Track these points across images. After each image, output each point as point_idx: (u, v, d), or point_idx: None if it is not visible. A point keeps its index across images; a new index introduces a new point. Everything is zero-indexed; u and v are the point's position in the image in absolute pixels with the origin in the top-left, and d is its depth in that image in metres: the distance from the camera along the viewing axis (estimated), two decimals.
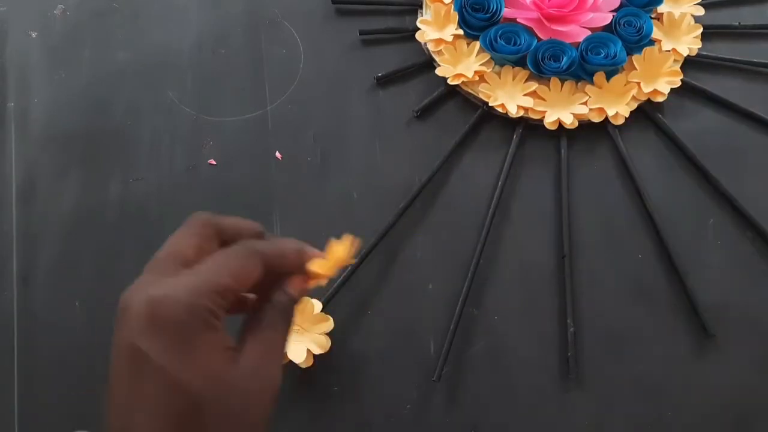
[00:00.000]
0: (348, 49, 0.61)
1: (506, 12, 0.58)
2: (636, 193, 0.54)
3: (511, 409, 0.48)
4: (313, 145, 0.57)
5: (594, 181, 0.55)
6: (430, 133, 0.57)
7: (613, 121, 0.56)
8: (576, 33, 0.57)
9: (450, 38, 0.58)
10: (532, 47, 0.56)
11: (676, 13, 0.60)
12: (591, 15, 0.57)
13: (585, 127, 0.56)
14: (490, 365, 0.49)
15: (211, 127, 0.57)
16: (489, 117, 0.57)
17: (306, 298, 0.48)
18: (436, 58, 0.59)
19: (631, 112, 0.56)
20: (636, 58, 0.57)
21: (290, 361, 0.47)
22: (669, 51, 0.58)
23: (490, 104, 0.56)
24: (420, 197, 0.54)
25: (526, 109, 0.56)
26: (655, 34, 0.59)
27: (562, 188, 0.54)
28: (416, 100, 0.58)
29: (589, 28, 0.57)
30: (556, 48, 0.56)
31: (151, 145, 0.57)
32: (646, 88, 0.56)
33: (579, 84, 0.57)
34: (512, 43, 0.57)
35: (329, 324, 0.47)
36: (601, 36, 0.57)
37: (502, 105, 0.56)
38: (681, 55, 0.58)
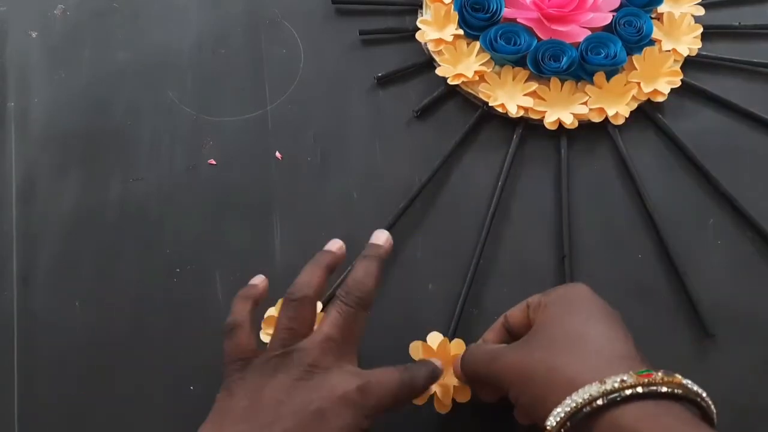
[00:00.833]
0: (348, 49, 0.61)
1: (506, 12, 0.58)
2: (636, 193, 0.54)
3: (511, 409, 0.48)
4: (313, 145, 0.57)
5: (594, 181, 0.55)
6: (430, 133, 0.57)
7: (613, 121, 0.56)
8: (576, 33, 0.57)
9: (450, 38, 0.58)
10: (532, 47, 0.56)
11: (676, 13, 0.60)
12: (591, 15, 0.57)
13: (585, 127, 0.56)
14: None
15: (211, 127, 0.57)
16: (489, 117, 0.57)
17: None
18: (436, 58, 0.59)
19: (631, 112, 0.56)
20: (636, 58, 0.57)
21: None
22: (669, 51, 0.58)
23: (490, 104, 0.56)
24: (420, 197, 0.54)
25: (526, 109, 0.56)
26: (655, 34, 0.59)
27: (562, 188, 0.54)
28: (416, 100, 0.58)
29: (589, 28, 0.57)
30: (556, 48, 0.56)
31: (151, 145, 0.57)
32: (646, 88, 0.56)
33: (579, 84, 0.57)
34: (512, 43, 0.57)
35: None
36: (601, 36, 0.57)
37: (502, 105, 0.56)
38: (681, 55, 0.58)
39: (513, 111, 0.55)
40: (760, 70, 0.59)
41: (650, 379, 0.30)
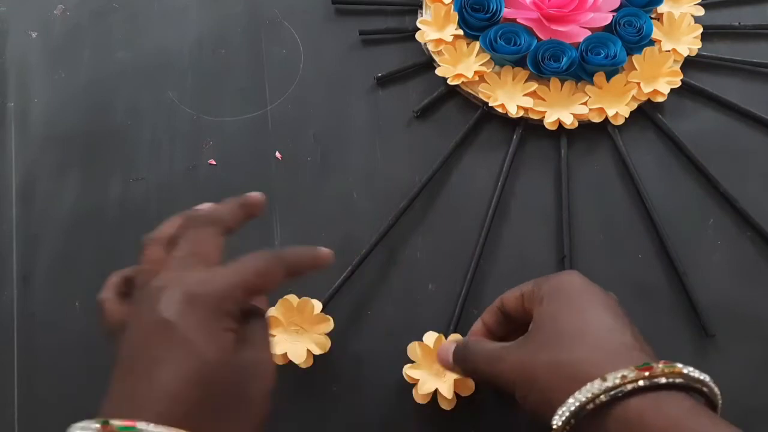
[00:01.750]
0: (348, 49, 0.61)
1: (506, 12, 0.58)
2: (636, 193, 0.54)
3: (512, 409, 0.48)
4: (313, 145, 0.57)
5: (594, 181, 0.55)
6: (430, 133, 0.57)
7: (613, 122, 0.56)
8: (576, 33, 0.57)
9: (450, 38, 0.58)
10: (532, 47, 0.56)
11: (676, 13, 0.60)
12: (591, 15, 0.57)
13: (585, 127, 0.56)
14: None
15: (211, 127, 0.57)
16: (489, 117, 0.57)
17: (306, 299, 0.48)
18: (436, 58, 0.59)
19: (631, 112, 0.56)
20: (636, 58, 0.57)
21: (290, 361, 0.47)
22: (669, 51, 0.58)
23: (490, 104, 0.56)
24: (420, 197, 0.54)
25: (526, 109, 0.56)
26: (655, 34, 0.59)
27: (562, 188, 0.54)
28: (416, 100, 0.58)
29: (589, 28, 0.57)
30: (556, 48, 0.56)
31: (151, 145, 0.57)
32: (646, 89, 0.56)
33: (579, 84, 0.57)
34: (512, 43, 0.57)
35: (329, 324, 0.47)
36: (601, 36, 0.57)
37: (502, 105, 0.56)
38: (681, 55, 0.58)
39: (513, 111, 0.55)
40: (760, 70, 0.59)
41: (650, 372, 0.30)
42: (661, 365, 0.31)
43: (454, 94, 0.58)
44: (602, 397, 0.30)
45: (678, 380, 0.31)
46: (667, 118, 0.57)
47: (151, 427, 0.27)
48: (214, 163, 0.56)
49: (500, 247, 0.52)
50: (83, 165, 0.56)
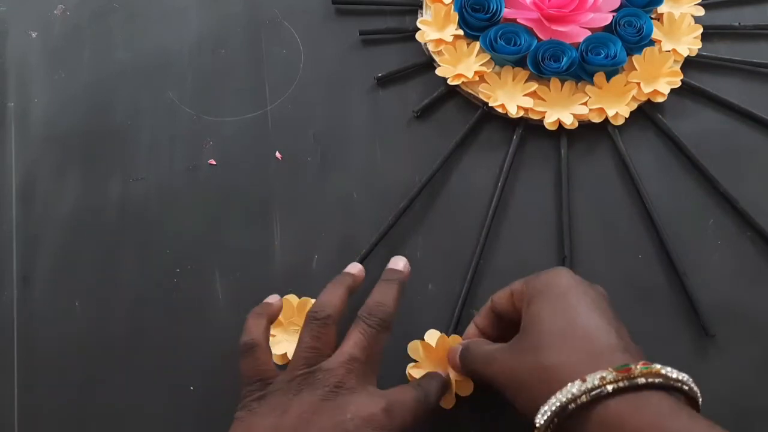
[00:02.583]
0: (348, 49, 0.61)
1: (506, 12, 0.58)
2: (636, 193, 0.54)
3: (512, 409, 0.48)
4: (313, 145, 0.57)
5: (594, 181, 0.55)
6: (430, 133, 0.57)
7: (613, 122, 0.56)
8: (576, 33, 0.57)
9: (450, 38, 0.58)
10: (532, 47, 0.56)
11: (676, 13, 0.60)
12: (591, 15, 0.57)
13: (585, 127, 0.56)
14: None
15: (211, 127, 0.57)
16: (489, 117, 0.57)
17: (306, 299, 0.48)
18: (436, 58, 0.59)
19: (631, 112, 0.56)
20: (636, 59, 0.57)
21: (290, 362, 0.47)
22: (669, 51, 0.58)
23: (490, 104, 0.56)
24: (420, 197, 0.54)
25: (526, 110, 0.56)
26: (655, 34, 0.59)
27: (562, 188, 0.54)
28: (416, 100, 0.58)
29: (589, 29, 0.57)
30: (556, 48, 0.56)
31: (151, 145, 0.57)
32: (646, 89, 0.56)
33: (579, 84, 0.57)
34: (512, 43, 0.57)
35: None
36: (601, 36, 0.57)
37: (502, 105, 0.56)
38: (681, 55, 0.58)
39: (513, 111, 0.55)
40: (760, 70, 0.59)
41: (629, 374, 0.31)
42: (639, 366, 0.31)
43: (454, 94, 0.58)
44: (583, 398, 0.31)
45: (657, 380, 0.32)
46: (667, 118, 0.57)
47: None
48: (214, 163, 0.56)
49: (500, 247, 0.52)
50: (83, 165, 0.56)
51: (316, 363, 0.38)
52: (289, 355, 0.46)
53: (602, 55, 0.56)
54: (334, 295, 0.41)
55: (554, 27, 0.57)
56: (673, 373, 0.32)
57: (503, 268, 0.52)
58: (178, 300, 0.51)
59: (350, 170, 0.55)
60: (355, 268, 0.45)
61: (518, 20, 0.57)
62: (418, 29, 0.59)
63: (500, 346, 0.39)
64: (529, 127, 0.56)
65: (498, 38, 0.57)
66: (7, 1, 0.64)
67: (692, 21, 0.60)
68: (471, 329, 0.45)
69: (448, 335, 0.47)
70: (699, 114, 0.58)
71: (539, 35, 0.57)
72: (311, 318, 0.40)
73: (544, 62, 0.56)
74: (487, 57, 0.58)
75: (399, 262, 0.44)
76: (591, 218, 0.53)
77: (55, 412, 0.48)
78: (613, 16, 0.58)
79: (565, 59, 0.56)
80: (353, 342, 0.38)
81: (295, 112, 0.58)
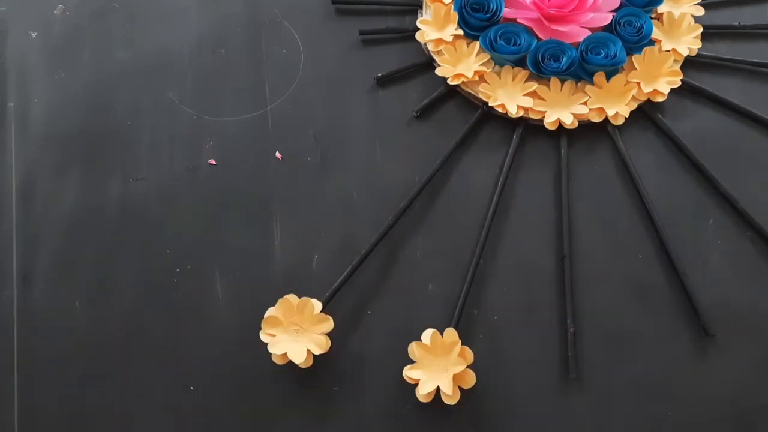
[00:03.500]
0: (348, 49, 0.61)
1: (506, 12, 0.58)
2: (636, 193, 0.54)
3: (512, 409, 0.48)
4: (313, 145, 0.57)
5: (594, 181, 0.55)
6: (430, 133, 0.57)
7: (613, 121, 0.56)
8: (576, 33, 0.57)
9: (450, 38, 0.58)
10: (532, 47, 0.56)
11: (676, 13, 0.60)
12: (591, 15, 0.57)
13: (585, 127, 0.56)
14: (490, 365, 0.49)
15: (211, 127, 0.57)
16: (489, 117, 0.57)
17: (306, 299, 0.48)
18: (436, 58, 0.59)
19: (631, 112, 0.56)
20: (636, 58, 0.57)
21: (290, 361, 0.47)
22: (669, 51, 0.58)
23: (490, 104, 0.56)
24: (420, 197, 0.54)
25: (526, 109, 0.56)
26: (655, 34, 0.59)
27: (562, 188, 0.54)
28: (416, 100, 0.58)
29: (589, 28, 0.57)
30: (556, 48, 0.56)
31: (151, 145, 0.57)
32: (646, 88, 0.56)
33: (579, 84, 0.57)
34: (512, 43, 0.57)
35: (329, 324, 0.47)
36: (601, 36, 0.57)
37: (502, 105, 0.56)
38: (681, 55, 0.58)
39: (513, 111, 0.55)
40: (760, 70, 0.59)
41: None
42: None
43: (454, 94, 0.58)
44: None
45: None
46: (667, 118, 0.57)
47: None
48: (214, 163, 0.56)
49: (500, 247, 0.52)
50: (83, 165, 0.56)
51: None
52: (290, 355, 0.46)
53: (602, 55, 0.56)
54: None
55: (554, 27, 0.57)
56: None
57: (503, 267, 0.52)
58: (178, 300, 0.51)
59: (350, 170, 0.55)
60: None
61: (518, 20, 0.57)
62: (418, 29, 0.59)
63: None
64: (529, 127, 0.56)
65: (498, 38, 0.57)
66: (7, 1, 0.64)
67: (692, 21, 0.60)
68: None
69: None
70: (699, 114, 0.58)
71: (539, 35, 0.57)
72: None
73: (544, 62, 0.56)
74: (487, 57, 0.58)
75: None
76: (591, 218, 0.53)
77: (55, 412, 0.48)
78: (613, 16, 0.57)
79: (565, 59, 0.55)
80: None
81: (295, 112, 0.58)
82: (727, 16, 0.62)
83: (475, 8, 0.58)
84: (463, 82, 0.57)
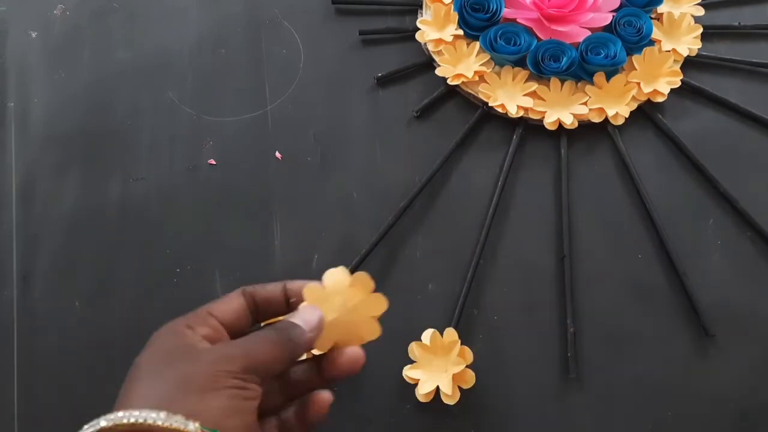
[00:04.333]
0: (348, 49, 0.61)
1: (506, 12, 0.58)
2: (636, 193, 0.54)
3: (511, 409, 0.48)
4: (313, 145, 0.57)
5: (594, 181, 0.55)
6: (430, 133, 0.57)
7: (613, 122, 0.56)
8: (576, 33, 0.57)
9: (450, 38, 0.58)
10: (532, 47, 0.56)
11: (676, 13, 0.60)
12: (591, 15, 0.57)
13: (585, 127, 0.56)
14: (490, 365, 0.49)
15: (211, 127, 0.57)
16: (489, 117, 0.57)
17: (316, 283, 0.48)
18: (436, 58, 0.59)
19: (631, 112, 0.56)
20: (636, 59, 0.57)
21: None
22: (669, 51, 0.58)
23: (490, 104, 0.56)
24: (420, 197, 0.54)
25: (526, 110, 0.56)
26: (655, 34, 0.59)
27: (562, 188, 0.54)
28: (416, 100, 0.58)
29: (589, 28, 0.57)
30: (556, 48, 0.56)
31: (151, 145, 0.57)
32: (646, 89, 0.56)
33: (579, 84, 0.57)
34: (512, 43, 0.57)
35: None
36: (601, 36, 0.57)
37: (502, 105, 0.56)
38: (681, 55, 0.58)
39: (513, 111, 0.55)
40: (760, 70, 0.59)
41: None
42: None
43: (454, 94, 0.58)
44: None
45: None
46: (667, 118, 0.57)
47: None
48: (214, 163, 0.56)
49: (500, 247, 0.52)
50: (83, 165, 0.56)
51: None
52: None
53: (602, 55, 0.56)
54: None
55: (554, 27, 0.57)
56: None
57: (503, 267, 0.52)
58: (178, 300, 0.51)
59: (350, 170, 0.55)
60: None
61: (518, 20, 0.57)
62: (418, 29, 0.59)
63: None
64: (529, 127, 0.56)
65: (498, 38, 0.57)
66: (7, 1, 0.64)
67: (692, 21, 0.60)
68: None
69: None
70: (699, 114, 0.58)
71: (539, 35, 0.57)
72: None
73: (544, 62, 0.56)
74: (486, 57, 0.58)
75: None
76: (591, 218, 0.53)
77: (54, 412, 0.48)
78: (613, 16, 0.58)
79: (564, 59, 0.56)
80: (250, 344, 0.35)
81: (295, 112, 0.58)
82: (727, 16, 0.62)
83: (475, 8, 0.58)
84: (463, 82, 0.57)
